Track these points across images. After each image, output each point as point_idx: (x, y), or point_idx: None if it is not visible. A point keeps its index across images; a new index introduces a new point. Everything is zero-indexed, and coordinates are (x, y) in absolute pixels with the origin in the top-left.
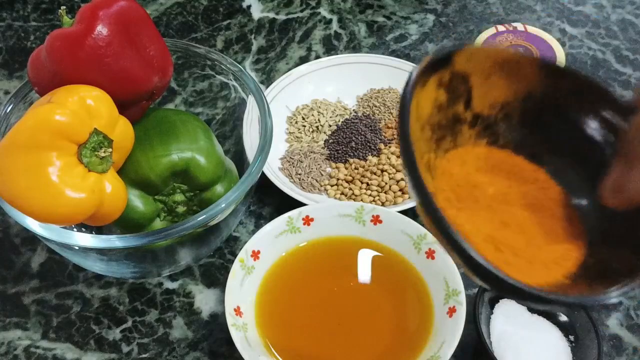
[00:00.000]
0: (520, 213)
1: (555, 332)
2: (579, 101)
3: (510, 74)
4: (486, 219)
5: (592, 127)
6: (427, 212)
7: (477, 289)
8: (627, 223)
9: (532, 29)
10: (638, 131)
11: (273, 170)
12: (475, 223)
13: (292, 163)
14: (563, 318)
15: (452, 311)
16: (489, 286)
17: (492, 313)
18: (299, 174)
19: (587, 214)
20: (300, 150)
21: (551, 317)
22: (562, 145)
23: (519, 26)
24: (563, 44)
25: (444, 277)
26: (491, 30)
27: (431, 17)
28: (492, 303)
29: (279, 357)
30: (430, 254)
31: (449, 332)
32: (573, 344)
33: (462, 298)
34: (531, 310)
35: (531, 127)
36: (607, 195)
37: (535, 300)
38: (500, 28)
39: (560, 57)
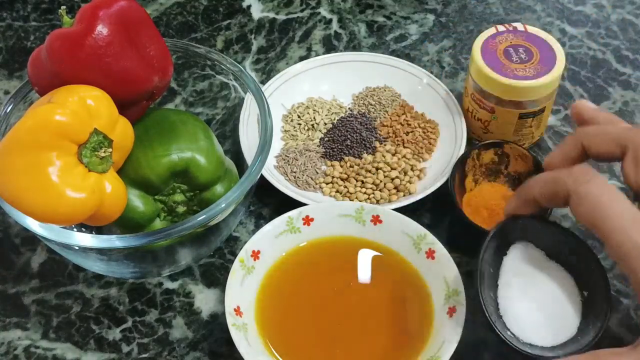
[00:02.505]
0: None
1: (569, 280)
2: None
3: None
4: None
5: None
6: None
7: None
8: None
9: (532, 29)
10: None
11: (268, 168)
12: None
13: (288, 161)
14: (578, 270)
15: (452, 311)
16: None
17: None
18: (294, 172)
19: None
20: (296, 148)
21: (568, 269)
22: None
23: (519, 26)
24: (563, 44)
25: (444, 277)
26: (491, 30)
27: (431, 17)
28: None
29: (279, 357)
30: (430, 254)
31: (449, 332)
32: (585, 300)
33: (462, 298)
34: (549, 255)
35: None
36: None
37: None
38: (500, 28)
39: (560, 57)
